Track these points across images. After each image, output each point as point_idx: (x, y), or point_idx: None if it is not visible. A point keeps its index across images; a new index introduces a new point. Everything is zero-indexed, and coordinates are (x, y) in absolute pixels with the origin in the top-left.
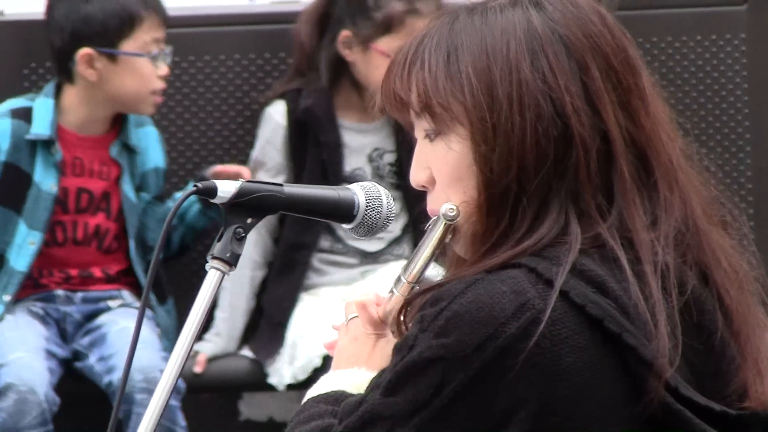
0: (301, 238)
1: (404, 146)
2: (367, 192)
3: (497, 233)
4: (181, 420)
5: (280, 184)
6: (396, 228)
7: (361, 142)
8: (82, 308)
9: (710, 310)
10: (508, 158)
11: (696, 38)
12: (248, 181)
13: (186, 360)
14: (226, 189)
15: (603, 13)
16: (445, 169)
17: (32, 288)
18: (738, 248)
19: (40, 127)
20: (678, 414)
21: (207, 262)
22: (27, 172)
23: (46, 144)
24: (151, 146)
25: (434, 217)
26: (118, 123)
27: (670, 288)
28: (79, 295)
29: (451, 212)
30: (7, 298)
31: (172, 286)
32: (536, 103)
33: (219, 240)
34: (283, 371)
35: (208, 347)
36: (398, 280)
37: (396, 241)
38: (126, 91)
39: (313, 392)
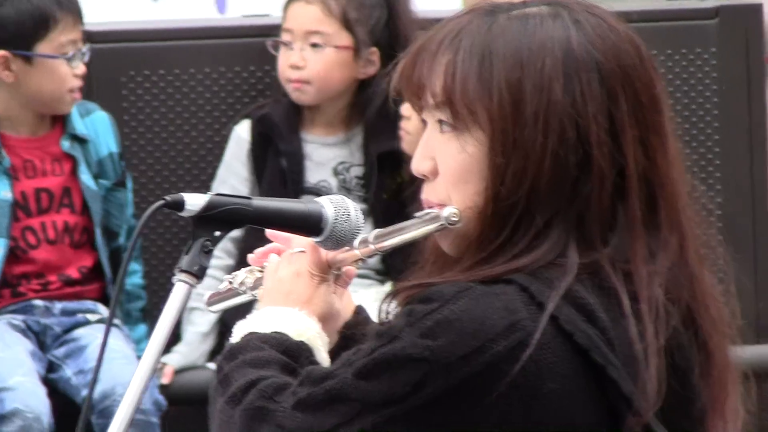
0: (259, 245)
1: (372, 161)
2: (335, 205)
3: (495, 244)
4: None
5: (249, 198)
6: None
7: (325, 155)
8: (62, 320)
9: (688, 354)
10: (523, 176)
11: (666, 52)
12: (217, 194)
13: (153, 373)
14: (194, 202)
15: (638, 43)
16: (454, 167)
17: (10, 297)
18: (719, 287)
19: None
20: None
21: (174, 275)
22: None
23: None
24: (101, 132)
25: (431, 211)
26: (61, 117)
27: (660, 328)
28: (58, 306)
29: (454, 218)
30: None
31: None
32: (562, 126)
33: (187, 253)
34: None
35: (176, 359)
36: (365, 241)
37: None
38: (43, 91)
39: (252, 326)
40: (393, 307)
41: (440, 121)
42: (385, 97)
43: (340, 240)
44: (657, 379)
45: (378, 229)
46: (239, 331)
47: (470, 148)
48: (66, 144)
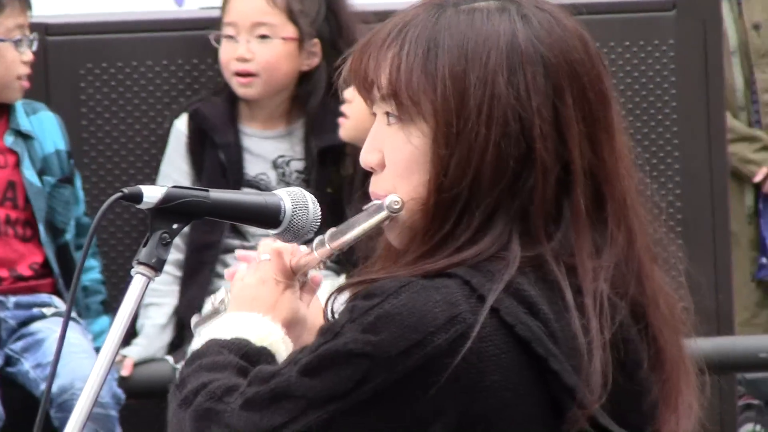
0: (205, 238)
1: (313, 155)
2: (293, 197)
3: (438, 237)
4: (119, 431)
5: (206, 190)
6: None
7: (264, 148)
8: (16, 313)
9: (636, 348)
10: (465, 167)
11: (624, 44)
12: (174, 187)
13: (111, 365)
14: (152, 194)
15: (586, 39)
16: (400, 159)
17: None
18: (671, 282)
19: None
20: None
21: (132, 267)
22: None
23: None
24: (48, 131)
25: (376, 202)
26: (6, 113)
27: (605, 321)
28: (12, 299)
29: (396, 205)
30: None
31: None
32: (505, 119)
33: (144, 245)
34: None
35: (135, 351)
36: (322, 242)
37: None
38: None
39: (215, 333)
40: (339, 303)
41: (387, 114)
42: (326, 89)
43: (298, 232)
44: (602, 372)
45: (332, 229)
46: (203, 336)
47: (415, 139)
48: (9, 139)
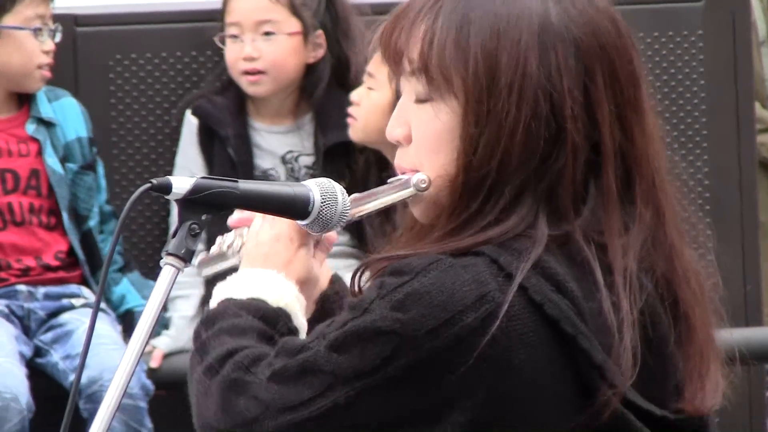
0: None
1: (323, 150)
2: (322, 188)
3: (465, 215)
4: (149, 422)
5: (236, 180)
6: None
7: (273, 143)
8: (45, 305)
9: (663, 326)
10: (495, 146)
11: (653, 35)
12: (204, 177)
13: (141, 356)
14: (181, 185)
15: (618, 19)
16: (427, 135)
17: None
18: (700, 261)
19: None
20: (622, 416)
21: (162, 258)
22: None
23: None
24: (70, 117)
25: (402, 177)
26: (28, 101)
27: (633, 300)
28: (41, 290)
29: (423, 184)
30: None
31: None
32: (535, 99)
33: (173, 236)
34: None
35: (165, 342)
36: None
37: None
38: (11, 66)
39: (230, 291)
40: (365, 278)
41: (416, 93)
42: (329, 78)
43: (326, 223)
44: (632, 351)
45: (354, 194)
46: (218, 294)
47: (444, 116)
48: (31, 127)
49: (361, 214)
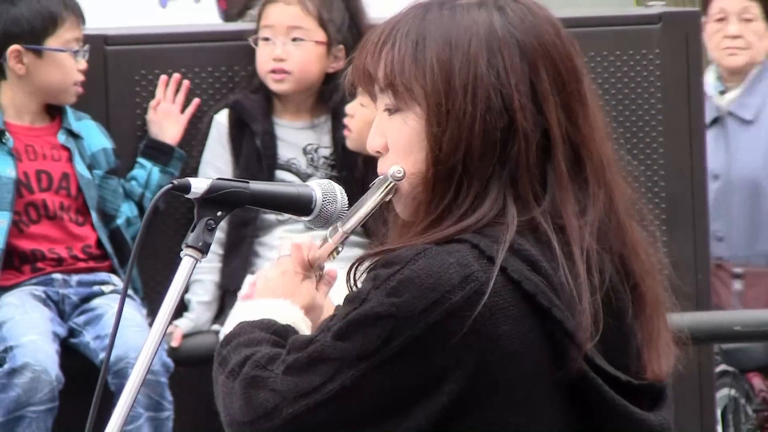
0: (245, 215)
1: (340, 143)
2: (323, 189)
3: (441, 206)
4: (169, 395)
5: (246, 181)
6: None
7: (295, 137)
8: (78, 290)
9: (623, 297)
10: (457, 141)
11: (615, 53)
12: (218, 179)
13: (163, 337)
14: (198, 186)
15: (557, 24)
16: (400, 140)
17: (30, 273)
18: (651, 244)
19: None
20: (593, 381)
21: (182, 250)
22: None
23: None
24: (93, 134)
25: (380, 177)
26: (59, 114)
27: (593, 271)
28: (75, 278)
29: (398, 173)
30: None
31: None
32: (488, 96)
33: (192, 231)
34: None
35: (185, 323)
36: (335, 228)
37: None
38: (51, 82)
39: (242, 317)
40: (360, 273)
41: (387, 105)
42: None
43: (328, 219)
44: (592, 313)
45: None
46: (233, 321)
47: (411, 122)
48: (62, 137)
49: (354, 226)
